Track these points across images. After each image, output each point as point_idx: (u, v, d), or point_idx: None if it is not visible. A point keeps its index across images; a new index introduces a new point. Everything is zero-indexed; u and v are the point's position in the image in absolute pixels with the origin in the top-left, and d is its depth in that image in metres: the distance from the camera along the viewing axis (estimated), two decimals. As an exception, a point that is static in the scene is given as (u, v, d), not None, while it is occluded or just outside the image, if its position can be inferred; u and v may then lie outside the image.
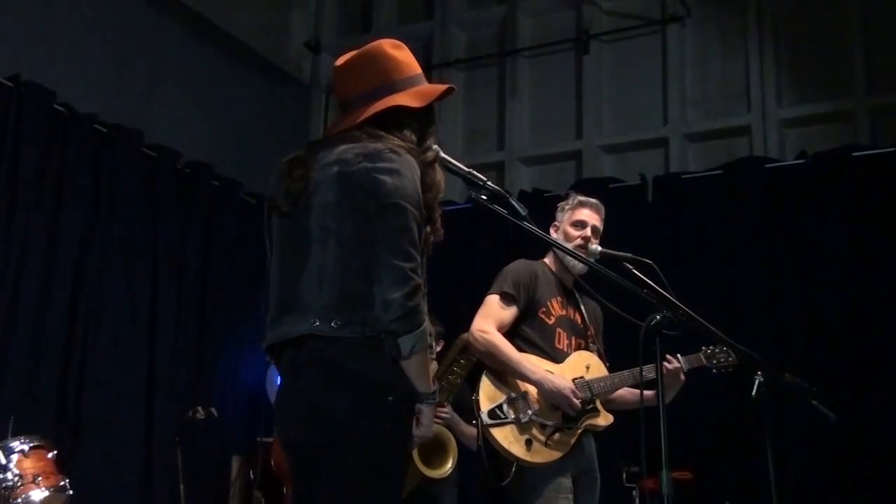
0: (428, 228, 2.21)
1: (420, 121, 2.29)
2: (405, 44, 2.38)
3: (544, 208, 4.37)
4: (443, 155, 2.29)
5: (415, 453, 3.88)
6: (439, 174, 2.27)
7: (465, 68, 7.21)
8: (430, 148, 2.27)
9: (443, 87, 2.33)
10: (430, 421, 2.21)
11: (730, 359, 3.47)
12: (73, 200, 5.22)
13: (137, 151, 5.67)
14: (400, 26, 7.40)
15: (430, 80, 2.40)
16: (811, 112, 6.00)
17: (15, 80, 4.99)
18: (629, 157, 6.48)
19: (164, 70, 6.14)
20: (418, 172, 2.17)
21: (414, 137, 2.26)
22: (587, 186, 5.84)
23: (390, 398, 2.08)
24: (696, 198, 5.86)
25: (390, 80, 2.27)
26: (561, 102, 6.81)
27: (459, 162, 2.33)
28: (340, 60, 2.35)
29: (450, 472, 4.09)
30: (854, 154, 5.48)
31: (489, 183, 2.28)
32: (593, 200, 3.56)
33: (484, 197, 2.26)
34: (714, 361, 3.47)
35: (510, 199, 2.28)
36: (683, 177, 6.00)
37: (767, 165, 5.72)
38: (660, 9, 6.56)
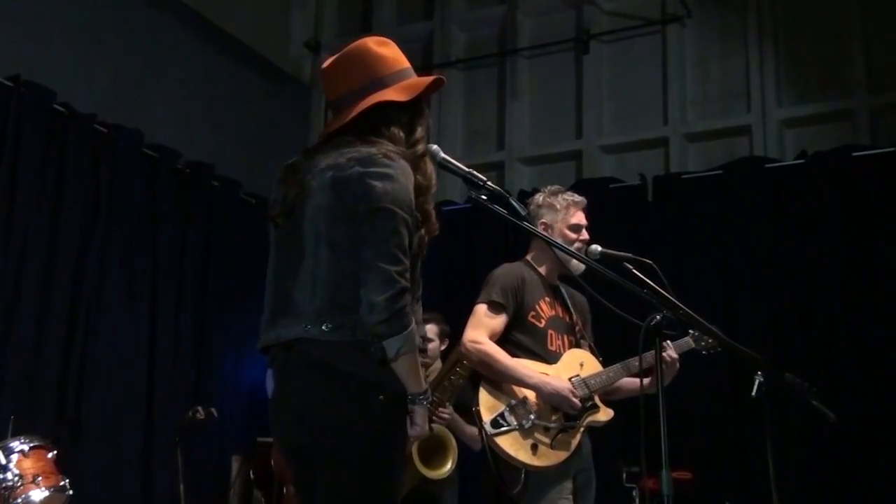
0: (422, 230, 2.20)
1: (409, 114, 2.28)
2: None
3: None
4: (443, 155, 2.29)
5: (414, 453, 3.88)
6: (429, 166, 2.26)
7: (465, 68, 7.21)
8: (419, 140, 2.27)
9: (429, 78, 2.31)
10: (424, 420, 2.20)
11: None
12: (73, 200, 5.22)
13: (137, 151, 5.67)
14: (400, 26, 7.40)
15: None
16: (811, 112, 6.01)
17: (15, 80, 4.98)
18: (629, 157, 6.48)
19: (164, 70, 6.14)
20: (412, 178, 2.17)
21: (402, 134, 2.25)
22: (587, 186, 5.85)
23: (381, 397, 2.10)
24: (696, 198, 5.86)
25: (376, 77, 2.26)
26: (561, 102, 6.81)
27: (459, 162, 2.32)
28: (327, 62, 2.35)
29: (449, 472, 4.08)
30: (854, 154, 5.48)
31: (489, 183, 2.27)
32: (583, 199, 3.54)
33: (484, 197, 2.25)
34: (703, 343, 3.44)
35: (510, 199, 2.28)
36: (683, 177, 6.00)
37: (767, 165, 5.73)
38: (660, 9, 6.57)
